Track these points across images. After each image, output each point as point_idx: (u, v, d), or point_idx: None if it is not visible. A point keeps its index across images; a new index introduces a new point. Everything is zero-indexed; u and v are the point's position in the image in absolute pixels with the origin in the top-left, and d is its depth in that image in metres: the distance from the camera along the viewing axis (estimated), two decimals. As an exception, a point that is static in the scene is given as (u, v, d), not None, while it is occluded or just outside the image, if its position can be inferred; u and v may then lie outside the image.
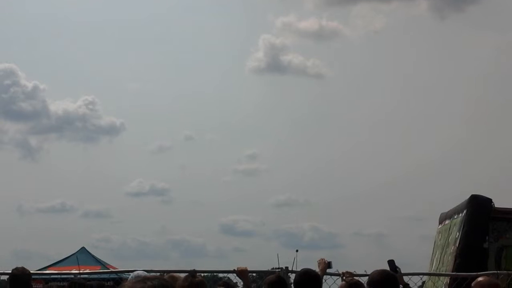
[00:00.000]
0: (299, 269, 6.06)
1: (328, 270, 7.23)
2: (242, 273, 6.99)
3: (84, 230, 44.16)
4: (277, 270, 7.49)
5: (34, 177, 49.60)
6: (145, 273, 5.87)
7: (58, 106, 50.14)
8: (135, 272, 5.82)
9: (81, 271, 7.84)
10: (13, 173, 49.28)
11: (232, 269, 7.13)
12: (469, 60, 48.76)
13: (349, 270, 7.10)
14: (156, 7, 58.21)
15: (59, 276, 9.56)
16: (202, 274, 6.03)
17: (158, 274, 6.85)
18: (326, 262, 7.20)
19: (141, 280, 2.34)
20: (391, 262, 6.78)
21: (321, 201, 45.30)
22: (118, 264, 21.57)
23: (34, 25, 55.54)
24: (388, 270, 5.14)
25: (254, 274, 9.74)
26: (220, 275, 7.27)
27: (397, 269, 6.61)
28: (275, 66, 50.42)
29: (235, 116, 51.91)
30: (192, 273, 4.71)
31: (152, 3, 58.36)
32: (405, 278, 6.71)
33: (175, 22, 56.37)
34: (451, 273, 10.43)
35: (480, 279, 5.21)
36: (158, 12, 57.60)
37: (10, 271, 5.69)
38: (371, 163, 47.01)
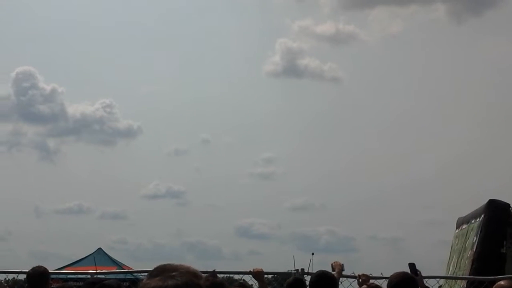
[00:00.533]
0: (314, 272, 6.05)
1: (343, 273, 7.21)
2: (258, 274, 7.00)
3: (101, 231, 44.27)
4: (293, 272, 7.50)
5: (52, 179, 49.87)
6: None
7: (76, 109, 50.29)
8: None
9: (98, 271, 7.88)
10: (31, 174, 49.61)
11: (248, 271, 7.14)
12: (486, 65, 48.42)
13: (365, 273, 7.08)
14: (172, 10, 58.42)
15: (76, 276, 9.62)
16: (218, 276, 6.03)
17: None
18: (341, 264, 7.18)
19: (162, 277, 2.15)
20: (412, 265, 6.75)
21: (337, 205, 45.15)
22: (134, 265, 21.67)
23: (53, 28, 55.91)
24: (407, 273, 5.12)
25: (269, 276, 9.75)
26: (236, 276, 7.28)
27: (418, 272, 6.58)
28: (291, 70, 50.34)
29: (251, 119, 51.83)
30: (213, 273, 4.72)
31: (169, 6, 58.55)
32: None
33: (192, 25, 56.47)
34: (468, 276, 10.35)
35: (502, 282, 5.12)
36: (174, 15, 57.77)
37: (28, 270, 5.71)
38: (388, 166, 46.77)
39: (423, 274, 6.94)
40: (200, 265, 6.89)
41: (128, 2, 60.75)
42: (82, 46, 55.03)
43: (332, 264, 7.20)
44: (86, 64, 54.56)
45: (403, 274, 5.07)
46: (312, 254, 12.17)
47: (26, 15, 54.92)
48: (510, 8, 48.22)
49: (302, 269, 7.47)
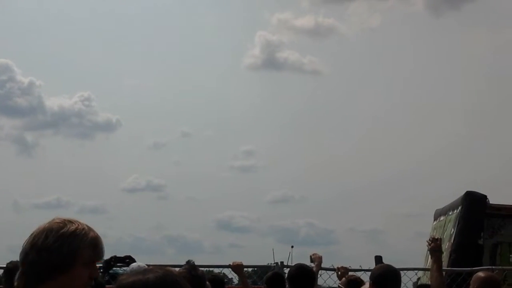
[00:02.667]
0: (294, 264, 6.07)
1: (322, 265, 7.24)
2: (237, 268, 7.00)
3: (80, 226, 43.96)
4: (272, 265, 7.52)
5: (30, 173, 49.47)
6: (145, 265, 5.79)
7: (53, 102, 49.91)
8: (134, 264, 5.73)
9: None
10: (9, 169, 49.12)
11: (227, 264, 7.15)
12: (465, 58, 48.82)
13: (344, 265, 7.11)
14: (153, 2, 58.11)
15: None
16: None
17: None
18: (320, 256, 7.20)
19: (141, 272, 2.17)
20: (378, 258, 6.79)
21: (317, 198, 45.31)
22: (113, 260, 21.56)
23: (30, 21, 55.33)
24: (390, 265, 5.13)
25: (249, 269, 9.76)
26: (216, 270, 7.29)
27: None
28: (271, 62, 50.34)
29: (232, 112, 51.77)
30: (193, 266, 4.70)
31: (146, 0, 58.24)
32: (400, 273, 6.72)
33: (171, 18, 56.23)
34: (446, 268, 10.46)
35: (481, 274, 5.14)
36: (154, 8, 57.45)
37: (5, 265, 5.67)
38: (367, 159, 47.00)
39: (402, 266, 6.98)
40: (181, 259, 6.90)
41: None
42: (60, 39, 54.59)
43: (311, 256, 7.22)
44: (64, 57, 54.18)
45: (386, 266, 5.10)
46: (292, 247, 12.19)
47: (1, 8, 54.32)
48: (487, 0, 48.56)
49: (282, 262, 7.49)
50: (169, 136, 54.63)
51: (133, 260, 6.77)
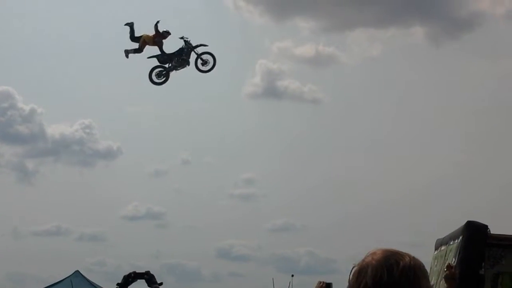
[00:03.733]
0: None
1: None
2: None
3: (79, 253, 43.88)
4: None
5: (30, 200, 49.42)
6: None
7: (55, 129, 50.01)
8: None
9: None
10: (9, 196, 49.09)
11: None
12: (464, 87, 49.04)
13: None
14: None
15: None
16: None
17: None
18: (324, 284, 7.16)
19: None
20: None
21: (318, 226, 45.21)
22: (112, 288, 21.42)
23: (32, 48, 55.72)
24: None
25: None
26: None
27: None
28: (271, 91, 50.57)
29: (232, 140, 51.96)
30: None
31: (147, 21, 58.69)
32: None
33: (172, 45, 56.54)
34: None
35: None
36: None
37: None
38: (367, 187, 47.00)
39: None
40: (180, 287, 6.88)
41: (106, 21, 60.78)
42: (61, 66, 54.89)
43: (316, 286, 7.18)
44: (65, 84, 54.43)
45: None
46: (292, 276, 12.11)
47: (3, 35, 54.73)
48: (485, 31, 48.95)
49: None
50: (169, 163, 54.67)
51: (152, 276, 6.82)
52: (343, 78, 54.23)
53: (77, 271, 23.06)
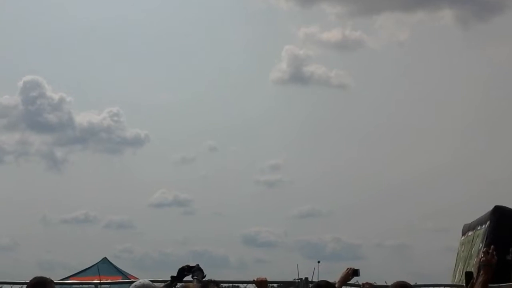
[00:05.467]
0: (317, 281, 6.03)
1: (349, 282, 7.17)
2: (261, 284, 6.97)
3: (107, 240, 44.21)
4: (297, 280, 7.49)
5: (59, 188, 49.87)
6: (150, 282, 5.81)
7: (83, 118, 50.33)
8: (140, 281, 5.77)
9: (102, 281, 7.88)
10: (39, 184, 49.58)
11: (251, 280, 7.13)
12: (493, 71, 48.33)
13: (369, 281, 7.05)
14: (179, 19, 58.51)
15: (80, 286, 9.62)
16: (224, 285, 6.05)
17: (163, 284, 6.88)
18: (351, 270, 7.10)
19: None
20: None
21: (343, 212, 45.02)
22: (140, 275, 21.57)
23: (60, 36, 56.07)
24: (406, 282, 5.10)
25: (275, 285, 9.73)
26: (241, 286, 7.29)
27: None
28: (298, 76, 50.30)
29: (258, 126, 51.75)
30: (215, 283, 4.68)
31: (175, 15, 58.67)
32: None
33: (198, 34, 56.50)
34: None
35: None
36: (181, 24, 57.89)
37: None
38: (394, 172, 46.57)
39: (429, 281, 6.92)
40: (207, 274, 6.93)
41: (137, 11, 60.98)
42: (89, 55, 55.13)
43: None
44: (93, 73, 54.65)
45: (402, 283, 5.09)
46: (318, 262, 12.12)
47: (32, 23, 55.16)
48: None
49: (306, 278, 7.46)
50: (196, 150, 54.75)
51: (201, 270, 6.90)
52: (370, 63, 53.72)
53: (104, 258, 23.28)
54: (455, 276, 15.12)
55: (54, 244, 46.18)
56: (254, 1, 56.56)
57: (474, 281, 5.93)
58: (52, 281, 5.69)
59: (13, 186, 47.63)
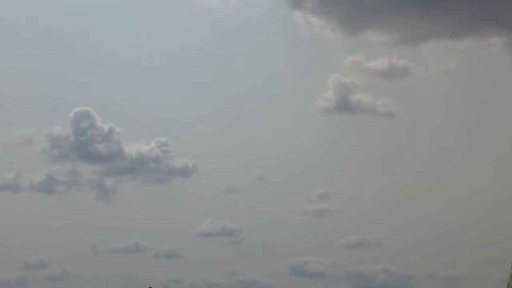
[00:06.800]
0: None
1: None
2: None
3: (157, 270, 44.58)
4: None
5: (109, 218, 50.63)
6: None
7: (132, 148, 51.21)
8: None
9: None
10: (89, 214, 50.50)
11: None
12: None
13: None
14: (228, 49, 59.26)
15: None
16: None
17: None
18: None
19: None
20: None
21: (393, 242, 44.47)
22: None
23: (109, 69, 57.59)
24: None
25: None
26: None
27: None
28: (344, 105, 50.33)
29: (305, 155, 51.99)
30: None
31: (223, 45, 59.49)
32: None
33: (245, 63, 57.36)
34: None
35: None
36: (229, 53, 58.62)
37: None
38: (446, 200, 45.96)
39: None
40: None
41: (182, 42, 61.96)
42: (138, 86, 56.27)
43: None
44: (142, 104, 55.77)
45: None
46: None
47: (82, 56, 56.63)
48: None
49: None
50: (244, 180, 54.95)
51: None
52: (417, 91, 53.61)
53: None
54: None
55: (104, 273, 46.65)
56: (301, 31, 56.98)
57: None
58: None
59: (64, 215, 48.59)
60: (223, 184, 55.39)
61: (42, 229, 47.93)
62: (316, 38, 56.35)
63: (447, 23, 50.16)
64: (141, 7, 69.28)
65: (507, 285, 15.83)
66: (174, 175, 52.44)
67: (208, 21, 64.66)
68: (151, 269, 45.16)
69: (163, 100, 55.31)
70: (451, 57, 52.17)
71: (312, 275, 47.59)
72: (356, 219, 48.31)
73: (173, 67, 58.31)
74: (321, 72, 56.08)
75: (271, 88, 56.33)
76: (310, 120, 55.10)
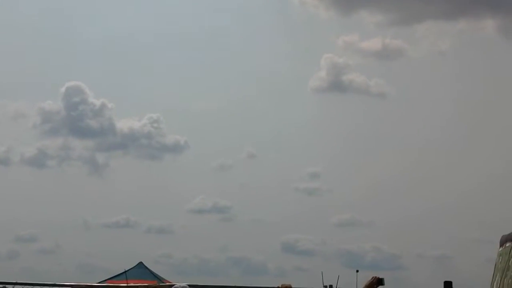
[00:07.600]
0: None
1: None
2: (285, 290, 7.01)
3: (147, 245, 44.70)
4: (322, 288, 7.50)
5: (100, 193, 50.65)
6: (187, 286, 5.91)
7: (124, 124, 51.10)
8: (178, 285, 5.86)
9: (129, 285, 8.01)
10: (81, 189, 50.45)
11: (276, 286, 7.18)
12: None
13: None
14: (219, 28, 58.94)
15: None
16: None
17: None
18: (375, 279, 7.05)
19: None
20: (447, 284, 6.67)
21: (385, 221, 44.66)
22: (178, 280, 21.75)
23: (102, 43, 57.04)
24: None
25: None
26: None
27: None
28: (337, 85, 50.22)
29: (297, 134, 51.83)
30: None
31: (214, 24, 59.17)
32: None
33: (237, 42, 56.90)
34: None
35: None
36: (221, 33, 58.26)
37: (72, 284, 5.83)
38: (436, 182, 46.07)
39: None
40: (245, 281, 6.95)
41: (176, 19, 61.68)
42: (130, 61, 56.02)
43: None
44: (134, 80, 55.48)
45: None
46: (357, 271, 12.05)
47: (74, 31, 56.22)
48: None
49: (331, 286, 7.47)
50: (235, 157, 55.02)
51: None
52: (410, 72, 53.30)
53: (140, 263, 23.60)
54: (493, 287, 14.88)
55: (95, 248, 46.89)
56: (293, 10, 56.70)
57: None
58: None
59: (55, 190, 48.60)
60: (214, 161, 55.37)
61: (33, 203, 47.94)
62: (310, 18, 56.06)
63: (442, 4, 49.98)
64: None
65: (495, 264, 15.86)
66: (166, 151, 52.32)
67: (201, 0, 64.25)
68: (142, 244, 45.24)
69: (156, 77, 55.03)
70: (445, 38, 52.09)
71: (302, 252, 47.81)
72: (347, 198, 48.44)
73: (166, 44, 58.01)
74: (314, 52, 55.85)
75: (264, 67, 56.15)
76: (302, 100, 54.97)
